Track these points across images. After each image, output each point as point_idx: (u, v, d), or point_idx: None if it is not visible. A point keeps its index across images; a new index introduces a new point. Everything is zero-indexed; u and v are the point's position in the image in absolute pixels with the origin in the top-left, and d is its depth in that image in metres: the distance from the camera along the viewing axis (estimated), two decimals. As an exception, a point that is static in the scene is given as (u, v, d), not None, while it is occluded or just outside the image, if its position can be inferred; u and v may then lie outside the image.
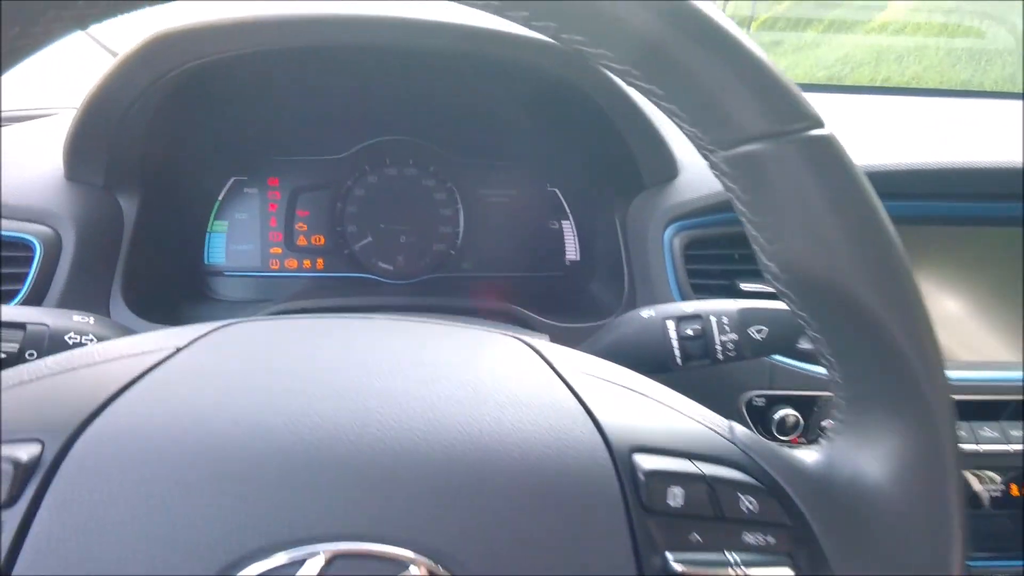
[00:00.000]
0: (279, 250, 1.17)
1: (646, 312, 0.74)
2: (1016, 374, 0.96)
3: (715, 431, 0.36)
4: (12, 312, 0.62)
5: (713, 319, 0.69)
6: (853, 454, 0.33)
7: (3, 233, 0.85)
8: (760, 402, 0.94)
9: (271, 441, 0.30)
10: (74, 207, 0.88)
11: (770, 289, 0.35)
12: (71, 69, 1.07)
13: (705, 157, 0.35)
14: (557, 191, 1.24)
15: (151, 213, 0.97)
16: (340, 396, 0.33)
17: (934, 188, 0.99)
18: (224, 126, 1.09)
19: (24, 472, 0.28)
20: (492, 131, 1.20)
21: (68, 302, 0.86)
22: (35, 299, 0.85)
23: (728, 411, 0.71)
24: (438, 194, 1.21)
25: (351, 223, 1.18)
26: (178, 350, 0.38)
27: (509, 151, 1.22)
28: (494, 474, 0.30)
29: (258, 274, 1.16)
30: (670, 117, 0.34)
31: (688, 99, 0.31)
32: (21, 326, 0.60)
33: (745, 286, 0.97)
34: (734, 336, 0.69)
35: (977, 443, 0.92)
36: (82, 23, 0.27)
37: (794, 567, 0.31)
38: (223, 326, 0.42)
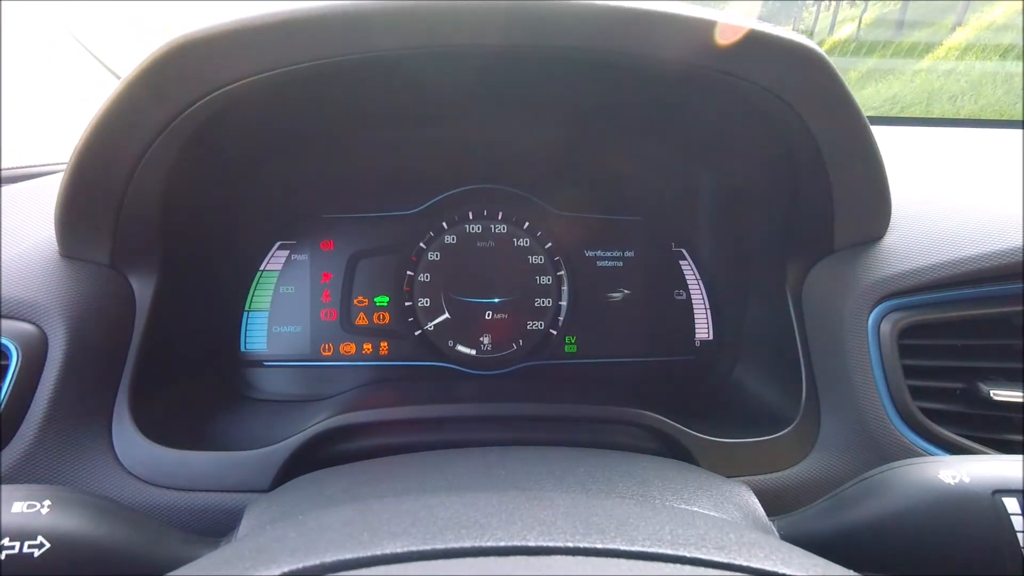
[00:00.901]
0: (333, 332, 0.91)
1: (948, 473, 0.44)
2: None
3: None
4: None
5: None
6: None
7: (-35, 335, 0.61)
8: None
9: None
10: (68, 294, 0.65)
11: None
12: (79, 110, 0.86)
13: None
14: (684, 251, 0.97)
15: (172, 294, 0.73)
16: None
17: None
18: (265, 176, 0.85)
19: None
20: (605, 172, 0.94)
21: (54, 427, 0.62)
22: (9, 424, 0.62)
23: None
24: (534, 257, 0.95)
25: (423, 296, 0.93)
26: None
27: (626, 199, 0.95)
28: None
29: (307, 363, 0.91)
30: None
31: None
32: None
33: (998, 394, 0.68)
34: None
35: None
36: None
37: None
38: None
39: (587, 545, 0.29)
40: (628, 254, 0.97)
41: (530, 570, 0.28)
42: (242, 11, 0.51)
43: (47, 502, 0.39)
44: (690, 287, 0.97)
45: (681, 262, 0.98)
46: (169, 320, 0.73)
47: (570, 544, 0.29)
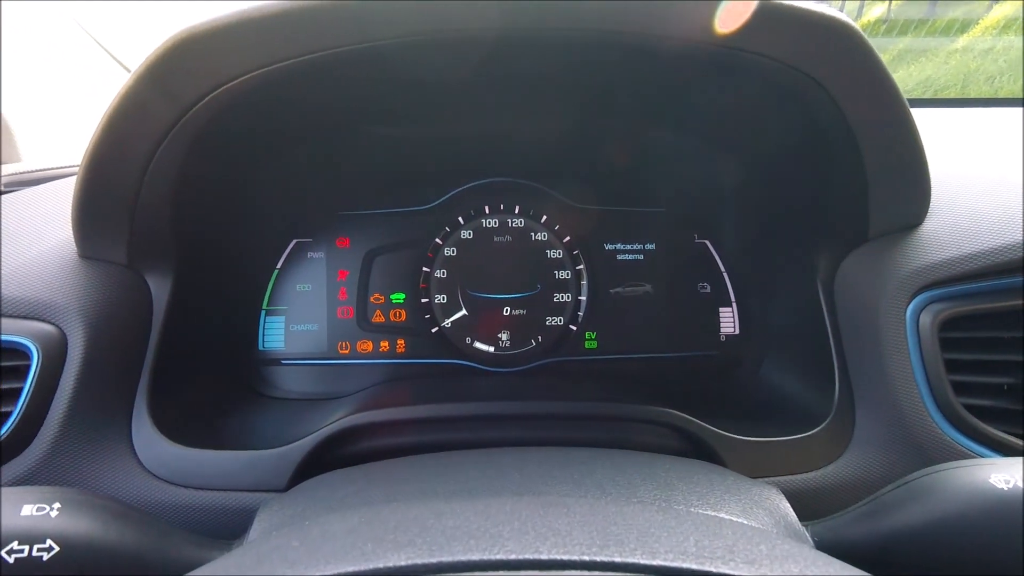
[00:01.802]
0: (350, 329, 0.90)
1: (1000, 477, 0.41)
2: None
3: None
4: None
5: None
6: None
7: (-13, 337, 0.62)
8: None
9: None
10: (86, 295, 0.65)
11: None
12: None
13: None
14: (707, 242, 0.93)
15: (189, 293, 0.73)
16: None
17: None
18: (278, 173, 0.84)
19: None
20: (624, 162, 0.92)
21: (74, 426, 0.63)
22: (30, 423, 0.62)
23: None
24: (552, 251, 0.93)
25: (440, 292, 0.91)
26: None
27: (646, 189, 0.92)
28: None
29: (324, 361, 0.90)
30: None
31: None
32: None
33: (1052, 388, 0.63)
34: None
35: None
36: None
37: None
38: None
39: (604, 559, 0.27)
40: (649, 246, 0.94)
41: None
42: (245, 5, 0.50)
43: (56, 505, 0.39)
44: (714, 280, 0.94)
45: (705, 256, 0.94)
46: (186, 319, 0.73)
47: (586, 558, 0.27)
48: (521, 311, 0.92)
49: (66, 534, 0.37)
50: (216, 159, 0.70)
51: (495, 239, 0.93)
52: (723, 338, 0.94)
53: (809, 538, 0.48)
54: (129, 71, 0.53)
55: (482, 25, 0.55)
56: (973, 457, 0.63)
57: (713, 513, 0.41)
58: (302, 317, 0.91)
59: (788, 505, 0.50)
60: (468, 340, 0.92)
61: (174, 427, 0.67)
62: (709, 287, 0.94)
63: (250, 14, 0.50)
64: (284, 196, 0.89)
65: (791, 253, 0.82)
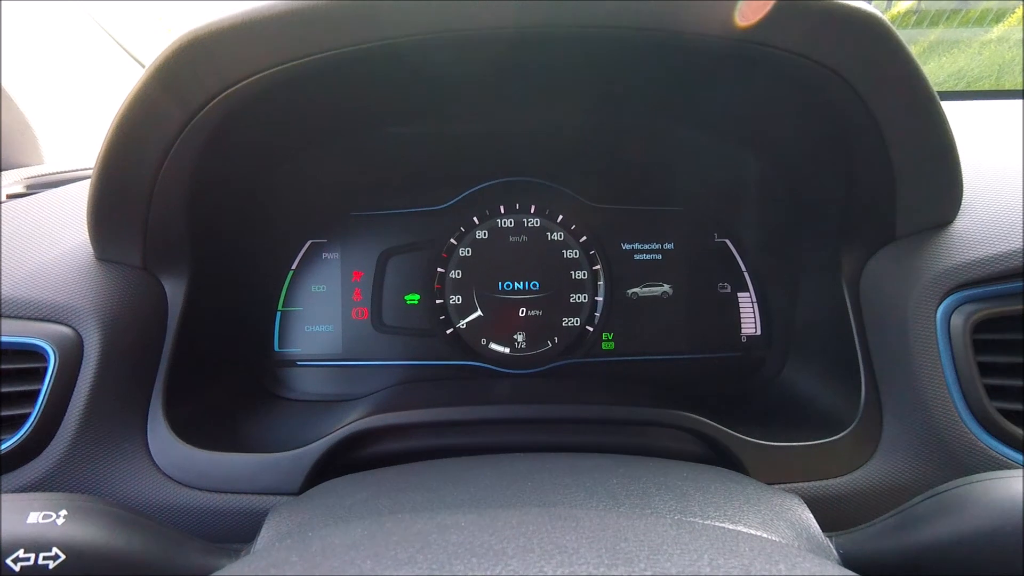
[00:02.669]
0: (365, 331, 0.90)
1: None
2: None
3: None
4: None
5: None
6: None
7: (6, 339, 0.62)
8: None
9: None
10: (101, 297, 0.65)
11: None
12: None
13: None
14: (728, 242, 0.91)
15: (204, 295, 0.73)
16: None
17: None
18: (291, 174, 0.84)
19: None
20: (641, 160, 0.89)
21: (91, 429, 0.63)
22: (48, 425, 0.63)
23: None
24: (569, 251, 0.91)
25: (455, 293, 0.91)
26: None
27: (664, 188, 0.90)
28: None
29: (338, 363, 0.90)
30: None
31: None
32: None
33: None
34: None
35: None
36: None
37: None
38: None
39: None
40: (667, 246, 0.92)
41: None
42: (253, 5, 0.50)
43: (63, 512, 0.39)
44: (735, 280, 0.92)
45: (726, 255, 0.92)
46: (201, 321, 0.73)
47: None
48: (537, 312, 0.91)
49: (72, 542, 0.37)
50: (229, 160, 0.70)
51: (510, 239, 0.92)
52: (744, 339, 0.91)
53: (834, 551, 0.46)
54: (143, 65, 0.53)
55: (497, 23, 0.54)
56: (1008, 464, 0.60)
57: (731, 526, 0.40)
58: (317, 318, 0.91)
59: (811, 515, 0.48)
60: (483, 341, 0.91)
61: (189, 429, 0.67)
62: (729, 287, 0.92)
63: (258, 14, 0.50)
64: (299, 197, 0.88)
65: (815, 252, 0.80)
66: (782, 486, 0.63)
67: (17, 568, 0.35)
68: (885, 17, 0.54)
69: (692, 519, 0.39)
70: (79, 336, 0.64)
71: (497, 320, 0.91)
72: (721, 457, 0.67)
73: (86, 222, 0.65)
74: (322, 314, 0.91)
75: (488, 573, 0.26)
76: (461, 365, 0.90)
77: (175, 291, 0.71)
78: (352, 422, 0.68)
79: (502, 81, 0.72)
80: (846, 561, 0.45)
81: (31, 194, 0.88)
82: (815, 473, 0.65)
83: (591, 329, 0.91)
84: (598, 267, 0.91)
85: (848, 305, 0.72)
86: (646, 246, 0.92)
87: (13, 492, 0.61)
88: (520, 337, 0.91)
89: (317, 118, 0.75)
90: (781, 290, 0.88)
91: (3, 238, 0.70)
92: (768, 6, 0.53)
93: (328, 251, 0.92)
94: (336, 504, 0.44)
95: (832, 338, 0.75)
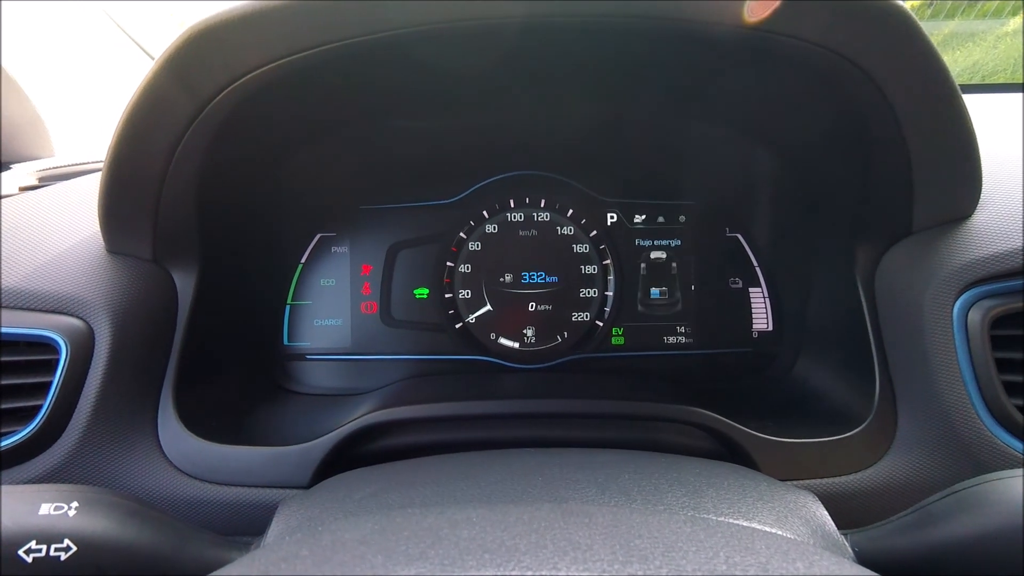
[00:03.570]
0: (374, 325, 0.90)
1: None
2: None
3: None
4: None
5: None
6: None
7: (18, 331, 0.63)
8: None
9: None
10: (112, 289, 0.65)
11: None
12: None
13: None
14: (740, 237, 0.90)
15: (214, 287, 0.73)
16: None
17: None
18: (301, 167, 0.84)
19: None
20: (653, 154, 0.88)
21: (102, 421, 0.63)
22: (59, 417, 0.63)
23: None
24: (579, 245, 0.90)
25: (464, 287, 0.90)
26: None
27: (676, 182, 0.89)
28: None
29: (347, 357, 0.90)
30: None
31: None
32: None
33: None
34: None
35: None
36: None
37: None
38: None
39: None
40: (679, 240, 0.91)
41: None
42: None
43: (74, 504, 0.39)
44: (747, 274, 0.91)
45: (737, 249, 0.91)
46: (212, 313, 0.73)
47: (607, 575, 0.25)
48: (547, 307, 0.90)
49: (84, 533, 0.37)
50: (239, 153, 0.70)
51: (520, 233, 0.91)
52: (756, 335, 0.90)
53: (849, 549, 0.45)
54: (154, 58, 0.53)
55: (505, 13, 0.54)
56: None
57: (745, 523, 0.39)
58: (326, 312, 0.91)
59: (826, 512, 0.47)
60: (492, 336, 0.90)
61: (200, 422, 0.67)
62: (741, 282, 0.91)
63: (267, 5, 0.49)
64: (308, 190, 0.88)
65: (828, 246, 0.79)
66: (796, 483, 0.63)
67: (30, 559, 0.36)
68: (905, 5, 0.53)
69: (706, 515, 0.39)
70: (90, 328, 0.64)
71: (506, 315, 0.90)
72: (733, 453, 0.67)
73: (97, 214, 0.65)
74: (331, 308, 0.91)
75: (500, 571, 0.26)
76: (470, 360, 0.90)
77: (185, 284, 0.71)
78: (361, 416, 0.68)
79: (512, 74, 0.71)
80: (862, 559, 0.44)
81: (43, 186, 0.88)
82: (828, 470, 0.64)
83: (601, 324, 0.90)
84: (608, 261, 0.90)
85: (863, 300, 0.71)
86: (657, 241, 0.91)
87: (25, 484, 0.61)
88: (529, 332, 0.90)
89: (326, 110, 0.75)
90: (794, 285, 0.87)
91: (15, 230, 0.71)
92: (774, 5, 0.52)
93: (337, 245, 0.91)
94: (346, 498, 0.44)
95: (846, 333, 0.74)
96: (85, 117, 1.16)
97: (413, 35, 0.53)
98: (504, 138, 0.89)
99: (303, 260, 0.91)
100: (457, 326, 0.90)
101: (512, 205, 0.91)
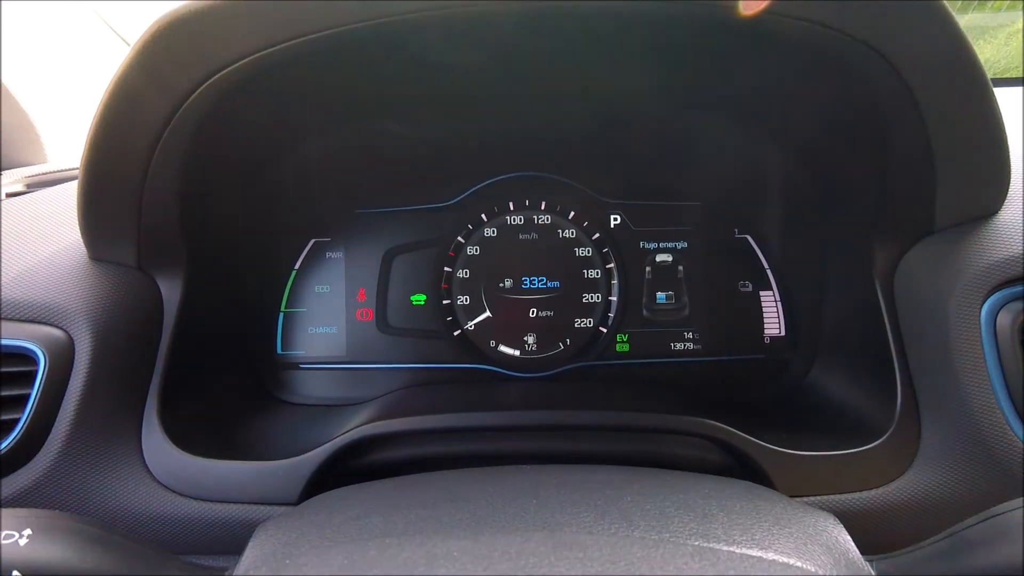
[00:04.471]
0: (369, 332, 0.87)
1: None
2: None
3: None
4: None
5: None
6: None
7: (-6, 341, 0.60)
8: None
9: None
10: (93, 298, 0.63)
11: None
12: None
13: None
14: (749, 238, 0.86)
15: (201, 295, 0.71)
16: None
17: None
18: (294, 168, 0.81)
19: None
20: (657, 153, 0.85)
21: (82, 435, 0.60)
22: (37, 431, 0.60)
23: None
24: (581, 249, 0.87)
25: (462, 293, 0.87)
26: None
27: (682, 182, 0.86)
28: None
29: (342, 366, 0.87)
30: None
31: None
32: None
33: None
34: None
35: None
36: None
37: None
38: None
39: None
40: (685, 243, 0.87)
41: None
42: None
43: (27, 531, 0.36)
44: (757, 277, 0.87)
45: (747, 251, 0.87)
46: (199, 322, 0.71)
47: None
48: (548, 313, 0.87)
49: (34, 564, 0.34)
50: (223, 153, 0.67)
51: (520, 237, 0.88)
52: (767, 341, 0.87)
53: None
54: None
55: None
56: None
57: (759, 553, 0.35)
58: (320, 319, 0.88)
59: (848, 537, 0.43)
60: (492, 343, 0.87)
61: (185, 435, 0.65)
62: (751, 285, 0.87)
63: None
64: (302, 194, 0.86)
65: (844, 247, 0.75)
66: (813, 500, 0.59)
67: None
68: None
69: (716, 545, 0.35)
70: (70, 338, 0.62)
71: (506, 321, 0.87)
72: (744, 467, 0.63)
73: (77, 220, 0.63)
74: (326, 315, 0.88)
75: None
76: (469, 368, 0.87)
77: (171, 292, 0.68)
78: (353, 428, 0.65)
79: (507, 70, 0.68)
80: None
81: (30, 192, 0.86)
82: (847, 485, 0.60)
83: (605, 330, 0.87)
84: (612, 265, 0.87)
85: (881, 303, 0.67)
86: (663, 243, 0.87)
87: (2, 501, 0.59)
88: (530, 339, 0.87)
89: (313, 109, 0.72)
90: (807, 288, 0.83)
91: None
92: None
93: (332, 250, 0.89)
94: (325, 523, 0.41)
95: (864, 339, 0.70)
96: (78, 122, 1.14)
97: (401, 24, 0.50)
98: (502, 138, 0.86)
99: (297, 266, 0.88)
100: (455, 333, 0.87)
101: (511, 208, 0.88)
